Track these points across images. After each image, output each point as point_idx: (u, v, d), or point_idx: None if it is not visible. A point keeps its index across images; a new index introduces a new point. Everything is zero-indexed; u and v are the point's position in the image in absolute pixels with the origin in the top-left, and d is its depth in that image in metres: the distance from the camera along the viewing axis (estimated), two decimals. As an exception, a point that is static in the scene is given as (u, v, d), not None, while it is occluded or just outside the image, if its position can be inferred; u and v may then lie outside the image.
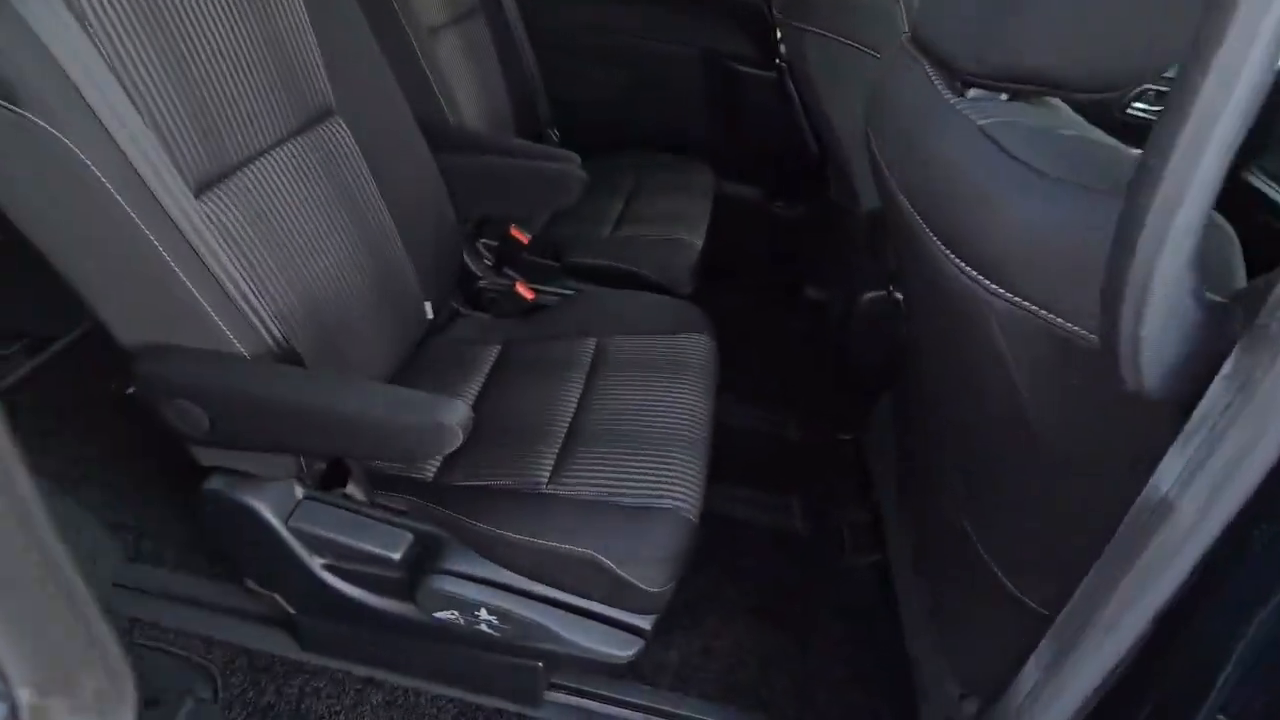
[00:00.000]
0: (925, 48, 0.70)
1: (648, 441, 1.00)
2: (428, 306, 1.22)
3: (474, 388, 1.14)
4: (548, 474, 0.95)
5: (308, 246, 0.95)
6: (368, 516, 0.91)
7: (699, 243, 1.55)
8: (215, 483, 0.88)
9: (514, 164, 1.34)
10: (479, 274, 1.48)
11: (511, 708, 1.08)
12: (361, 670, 1.09)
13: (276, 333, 0.85)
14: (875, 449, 1.28)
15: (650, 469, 0.95)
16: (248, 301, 0.81)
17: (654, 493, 0.92)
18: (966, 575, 0.76)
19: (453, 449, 0.74)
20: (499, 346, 1.23)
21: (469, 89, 1.59)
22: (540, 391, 1.10)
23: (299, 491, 0.90)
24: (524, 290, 1.34)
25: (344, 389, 0.78)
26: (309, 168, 0.98)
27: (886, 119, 0.78)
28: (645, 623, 0.92)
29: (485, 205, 1.36)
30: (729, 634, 1.25)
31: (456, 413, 0.74)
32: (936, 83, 0.66)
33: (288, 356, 0.86)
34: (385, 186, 1.10)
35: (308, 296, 0.93)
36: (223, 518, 0.89)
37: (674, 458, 0.97)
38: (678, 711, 1.12)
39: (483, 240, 1.56)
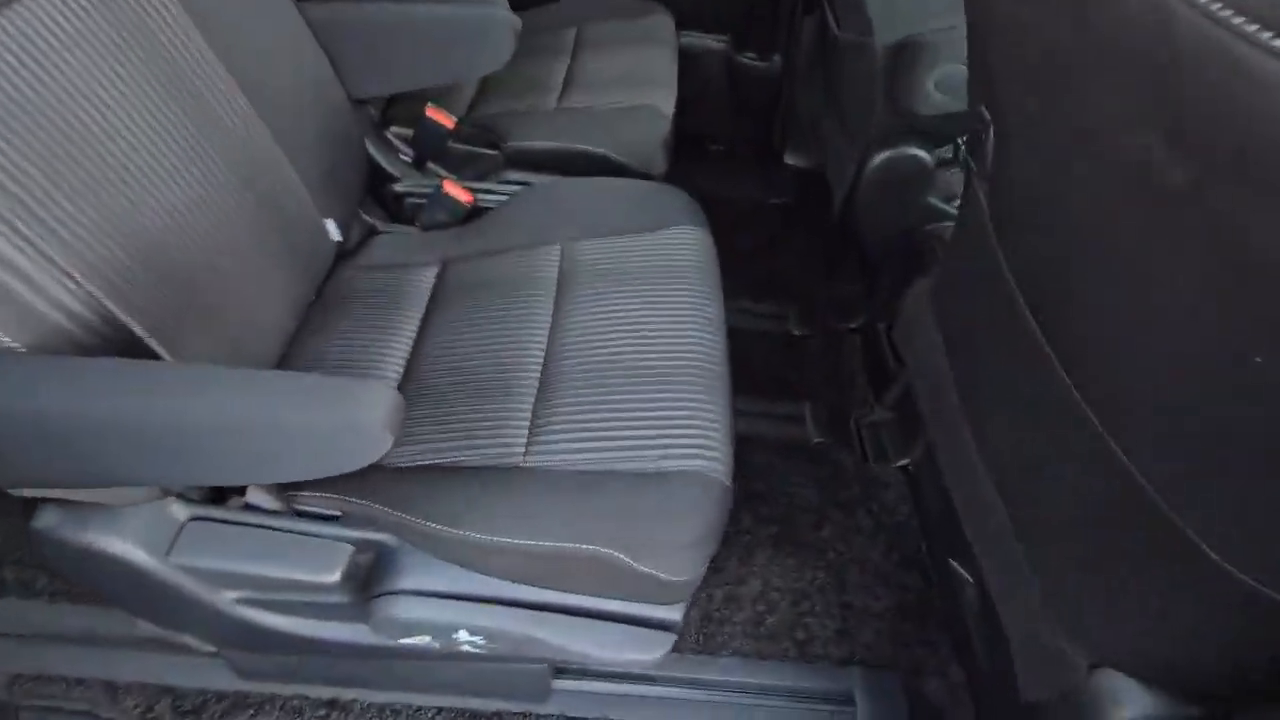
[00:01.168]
0: None
1: (648, 380, 0.76)
2: (331, 226, 0.92)
3: (408, 329, 0.87)
4: (522, 442, 0.71)
5: (144, 183, 0.65)
6: (286, 532, 0.66)
7: (669, 109, 1.23)
8: (46, 519, 0.61)
9: (419, 12, 0.99)
10: (395, 174, 1.16)
11: (514, 709, 0.90)
12: (323, 692, 0.89)
13: (85, 304, 0.55)
14: (908, 342, 1.07)
15: (658, 418, 0.73)
16: (22, 270, 0.51)
17: (668, 450, 0.70)
18: (1135, 543, 0.56)
19: (381, 455, 0.49)
20: (435, 268, 0.95)
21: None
22: (496, 326, 0.84)
23: (179, 513, 0.65)
24: (456, 191, 1.03)
25: (191, 386, 0.50)
26: (146, 84, 0.67)
27: None
28: (674, 613, 0.72)
29: (386, 77, 1.03)
30: (753, 575, 1.08)
31: (379, 405, 0.49)
32: None
33: (113, 332, 0.58)
34: (237, 64, 0.78)
35: (141, 244, 0.64)
36: (71, 563, 0.63)
37: (686, 398, 0.74)
38: (708, 677, 0.97)
39: (393, 129, 1.21)
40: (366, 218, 1.05)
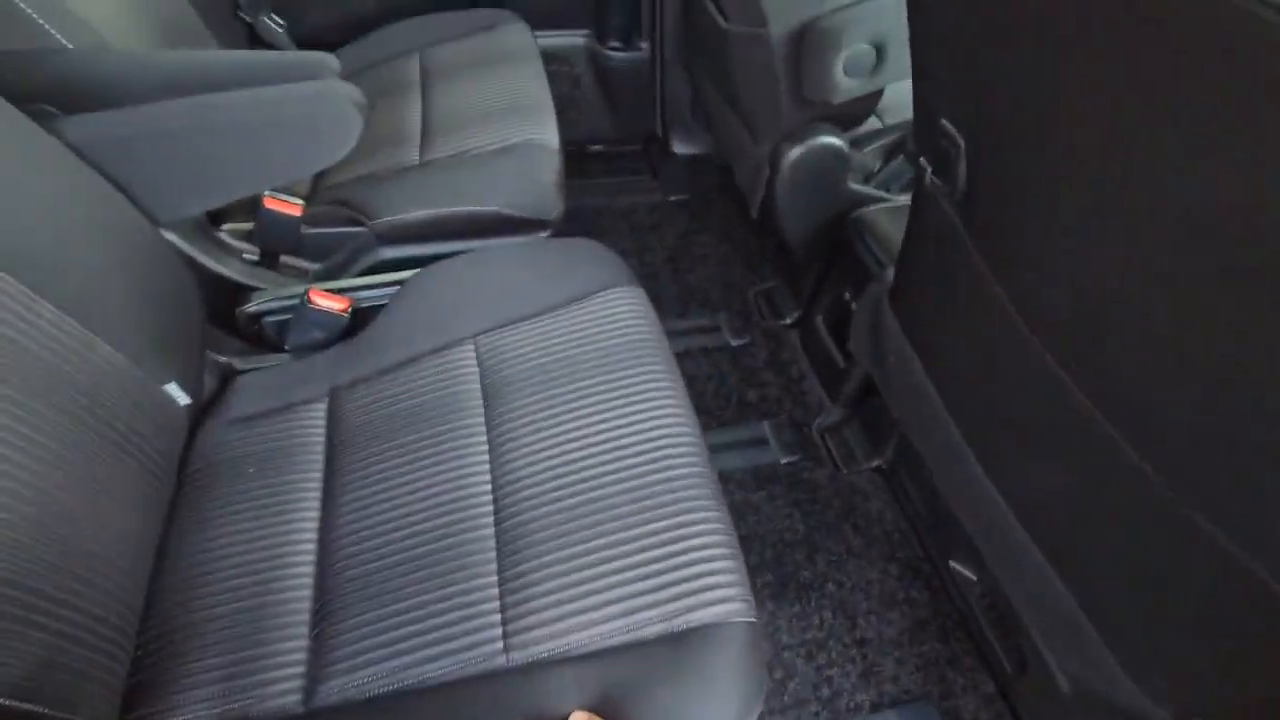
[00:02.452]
0: None
1: (632, 506, 0.63)
2: (175, 390, 0.72)
3: (308, 501, 0.69)
4: (498, 634, 0.58)
5: None
6: None
7: (554, 139, 1.08)
8: None
9: (224, 106, 0.79)
10: (244, 282, 0.95)
11: None
12: None
13: None
14: (867, 348, 1.00)
15: (659, 560, 0.60)
16: None
17: (683, 601, 0.58)
18: (1216, 595, 0.50)
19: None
20: (322, 405, 0.78)
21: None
22: (422, 473, 0.68)
23: None
24: (326, 299, 0.85)
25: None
26: None
27: None
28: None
29: (199, 193, 0.82)
30: (763, 638, 0.99)
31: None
32: None
33: None
34: (46, 282, 0.59)
35: None
36: None
37: (686, 521, 0.62)
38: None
39: (226, 227, 0.99)
40: (218, 358, 0.85)
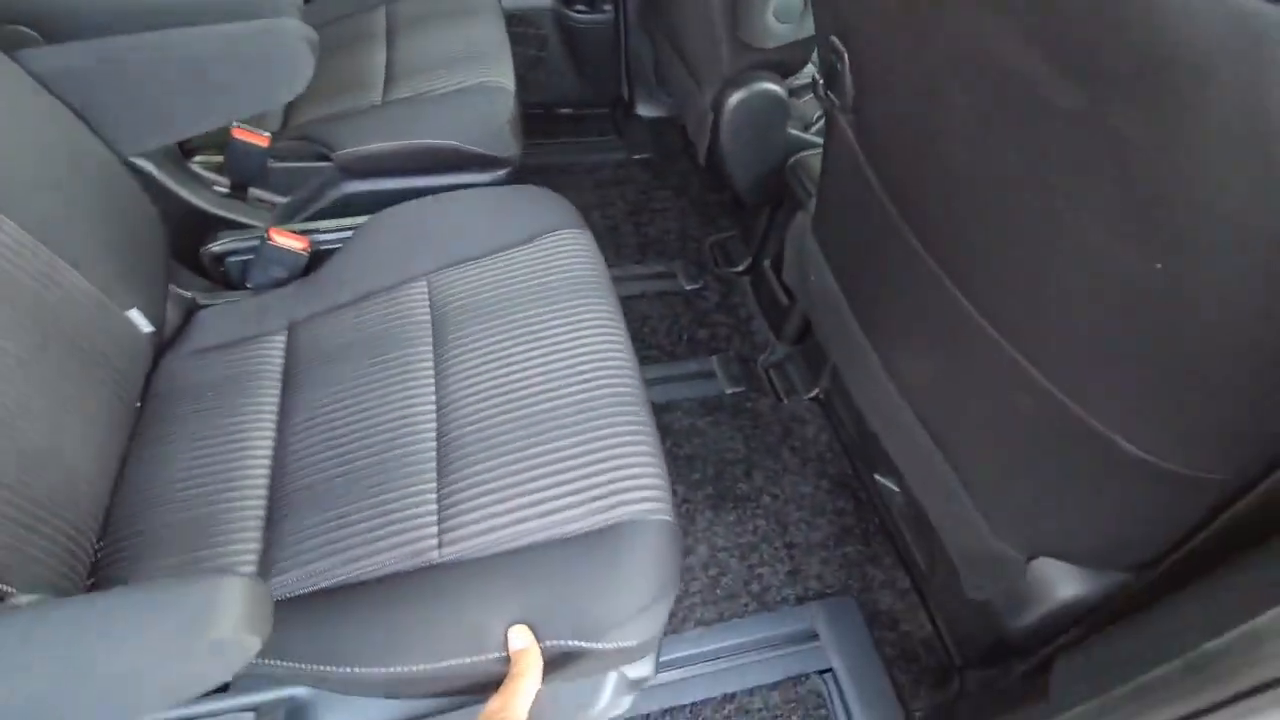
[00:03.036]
0: None
1: (562, 424, 0.69)
2: (137, 317, 0.77)
3: (264, 422, 0.74)
4: (433, 534, 0.64)
5: None
6: None
7: (510, 83, 1.15)
8: None
9: (181, 40, 0.83)
10: (213, 209, 1.01)
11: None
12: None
13: None
14: (796, 277, 1.08)
15: (584, 467, 0.66)
16: None
17: (603, 502, 0.64)
18: (1055, 445, 0.58)
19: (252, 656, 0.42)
20: (281, 337, 0.82)
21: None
22: (371, 395, 0.73)
23: None
24: (286, 238, 0.89)
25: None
26: None
27: None
28: (645, 668, 0.70)
29: (160, 126, 0.86)
30: (699, 542, 1.08)
31: (233, 603, 0.41)
32: None
33: None
34: (13, 206, 0.63)
35: None
36: None
37: (610, 436, 0.68)
38: (678, 654, 0.96)
39: (198, 159, 1.06)
40: (182, 292, 0.89)
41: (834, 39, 0.67)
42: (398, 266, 0.85)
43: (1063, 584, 0.65)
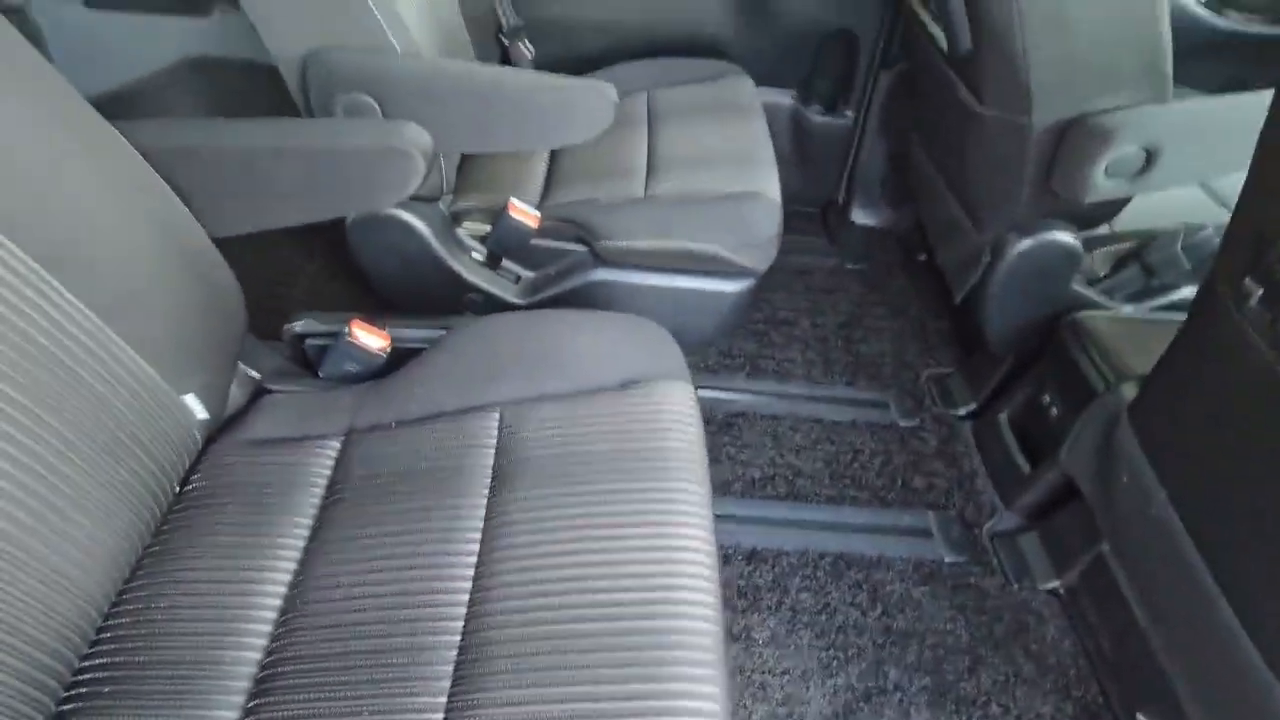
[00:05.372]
0: None
1: (615, 648, 0.56)
2: (193, 402, 0.71)
3: (289, 546, 0.66)
4: None
5: None
6: None
7: (777, 194, 1.09)
8: None
9: (306, 131, 0.83)
10: (467, 275, 1.01)
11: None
12: None
13: None
14: (1090, 469, 0.92)
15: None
16: None
17: None
18: None
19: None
20: (336, 443, 0.75)
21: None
22: (405, 554, 0.63)
23: None
24: (366, 334, 0.82)
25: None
26: None
27: None
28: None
29: (257, 218, 0.81)
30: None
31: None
32: None
33: None
34: (84, 281, 0.59)
35: None
36: None
37: (673, 681, 0.55)
38: None
39: (465, 224, 1.06)
40: (251, 373, 0.84)
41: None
42: (474, 388, 0.76)
43: None
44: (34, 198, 0.56)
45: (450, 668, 0.56)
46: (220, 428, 0.77)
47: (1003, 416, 1.25)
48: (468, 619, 0.59)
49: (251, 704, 0.57)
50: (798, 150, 1.70)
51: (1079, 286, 1.10)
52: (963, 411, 1.34)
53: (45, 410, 0.54)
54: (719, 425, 1.30)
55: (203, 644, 0.60)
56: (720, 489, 1.21)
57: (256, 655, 0.60)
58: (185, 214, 0.72)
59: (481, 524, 0.65)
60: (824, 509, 1.19)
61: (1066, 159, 0.93)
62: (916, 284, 1.62)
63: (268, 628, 0.61)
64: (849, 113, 1.61)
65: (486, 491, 0.67)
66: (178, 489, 0.71)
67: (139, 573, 0.65)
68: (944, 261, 1.24)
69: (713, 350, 1.43)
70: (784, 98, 1.62)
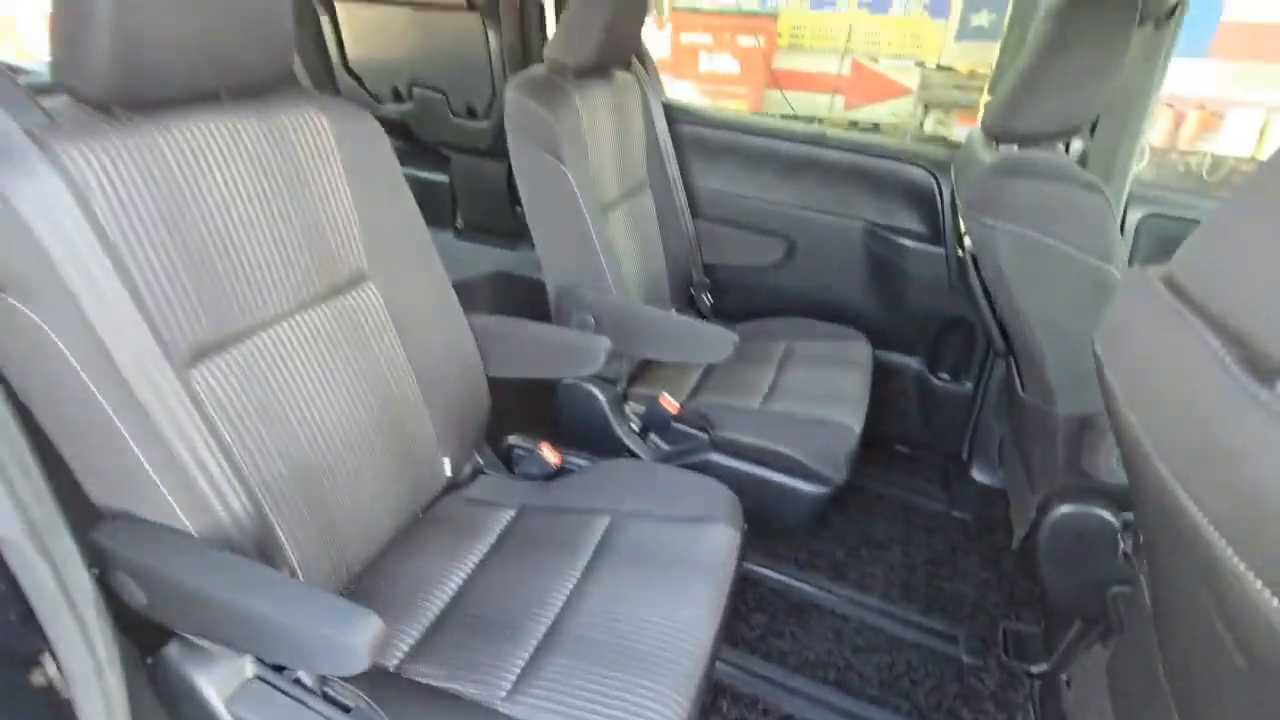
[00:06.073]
0: (1205, 311, 0.53)
1: (628, 662, 0.88)
2: (446, 463, 1.18)
3: (474, 556, 1.08)
4: (509, 685, 0.86)
5: (311, 413, 0.94)
6: (311, 710, 0.82)
7: (857, 428, 1.42)
8: (169, 651, 0.83)
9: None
10: (623, 439, 1.46)
11: None
12: None
13: (244, 506, 0.80)
14: (1081, 710, 1.02)
15: (622, 698, 0.83)
16: (212, 474, 0.77)
17: None
18: None
19: (359, 670, 0.67)
20: (512, 512, 1.17)
21: (633, 260, 1.64)
22: (535, 574, 1.03)
23: (249, 670, 0.84)
24: (550, 452, 1.29)
25: (250, 583, 0.73)
26: (329, 333, 0.97)
27: (1152, 385, 0.59)
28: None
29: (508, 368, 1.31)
30: None
31: (363, 630, 0.66)
32: (1233, 367, 0.49)
33: (258, 529, 0.82)
34: (412, 349, 1.10)
35: (300, 464, 0.91)
36: (168, 689, 0.84)
37: (650, 689, 0.84)
38: None
39: (630, 404, 1.54)
40: (478, 458, 1.29)
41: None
42: (602, 500, 1.15)
43: None
44: (410, 294, 1.10)
45: (539, 639, 0.93)
46: (452, 487, 1.25)
47: (1064, 677, 1.31)
48: (553, 620, 0.95)
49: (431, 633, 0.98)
50: (923, 408, 2.00)
51: (1124, 564, 1.23)
52: (1034, 669, 1.41)
53: (373, 402, 1.02)
54: (792, 608, 1.52)
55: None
56: (776, 659, 1.41)
57: (449, 594, 1.02)
58: (478, 357, 1.26)
59: (580, 572, 1.03)
60: (867, 705, 1.33)
61: (1089, 445, 1.16)
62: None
63: (445, 599, 1.02)
64: (969, 383, 1.90)
65: (589, 558, 1.05)
66: (421, 514, 1.18)
67: (389, 551, 1.10)
68: (1011, 515, 1.43)
69: (805, 549, 1.68)
70: (911, 361, 1.97)
